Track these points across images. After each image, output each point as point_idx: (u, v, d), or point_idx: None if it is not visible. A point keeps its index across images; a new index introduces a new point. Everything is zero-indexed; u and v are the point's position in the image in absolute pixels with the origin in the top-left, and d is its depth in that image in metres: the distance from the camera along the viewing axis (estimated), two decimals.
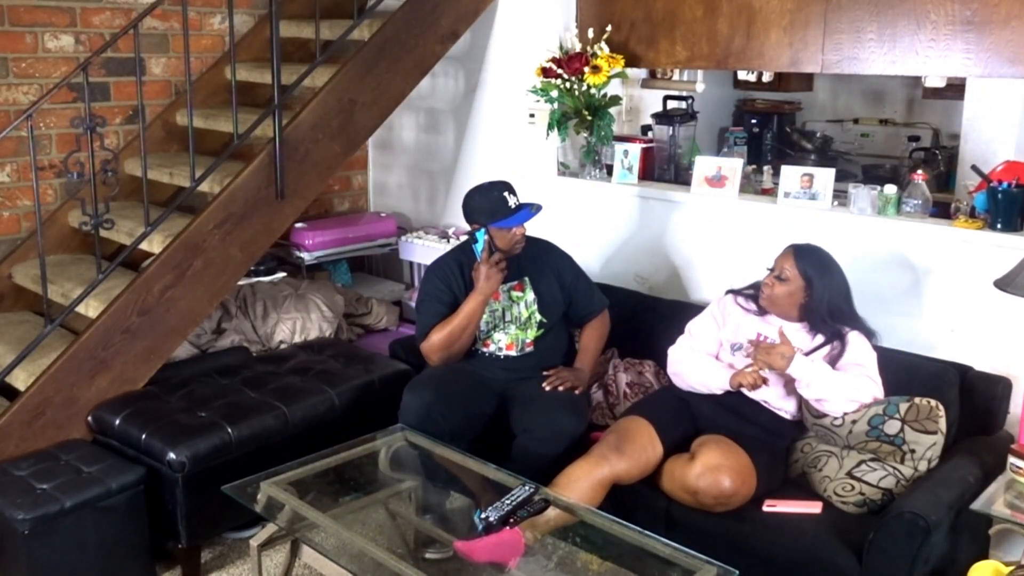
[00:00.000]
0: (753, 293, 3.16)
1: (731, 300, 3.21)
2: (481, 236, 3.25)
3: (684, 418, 3.05)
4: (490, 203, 3.24)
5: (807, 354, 2.95)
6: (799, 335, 3.03)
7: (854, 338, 2.98)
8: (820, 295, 2.98)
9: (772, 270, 3.06)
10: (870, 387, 2.91)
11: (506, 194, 3.24)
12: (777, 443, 3.00)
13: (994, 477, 2.72)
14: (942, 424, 2.84)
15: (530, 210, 3.25)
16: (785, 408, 3.02)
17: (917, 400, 2.87)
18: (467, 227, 3.36)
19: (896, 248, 3.33)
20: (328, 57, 3.89)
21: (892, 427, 2.86)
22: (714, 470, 2.75)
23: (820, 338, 3.01)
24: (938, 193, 3.71)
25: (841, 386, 2.88)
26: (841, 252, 3.41)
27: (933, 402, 2.86)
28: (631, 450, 2.90)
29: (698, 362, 3.11)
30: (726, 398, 3.03)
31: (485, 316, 3.34)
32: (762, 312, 3.11)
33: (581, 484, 2.82)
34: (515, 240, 3.27)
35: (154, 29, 4.25)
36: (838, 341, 2.98)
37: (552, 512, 2.69)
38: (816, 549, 2.63)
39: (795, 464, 3.02)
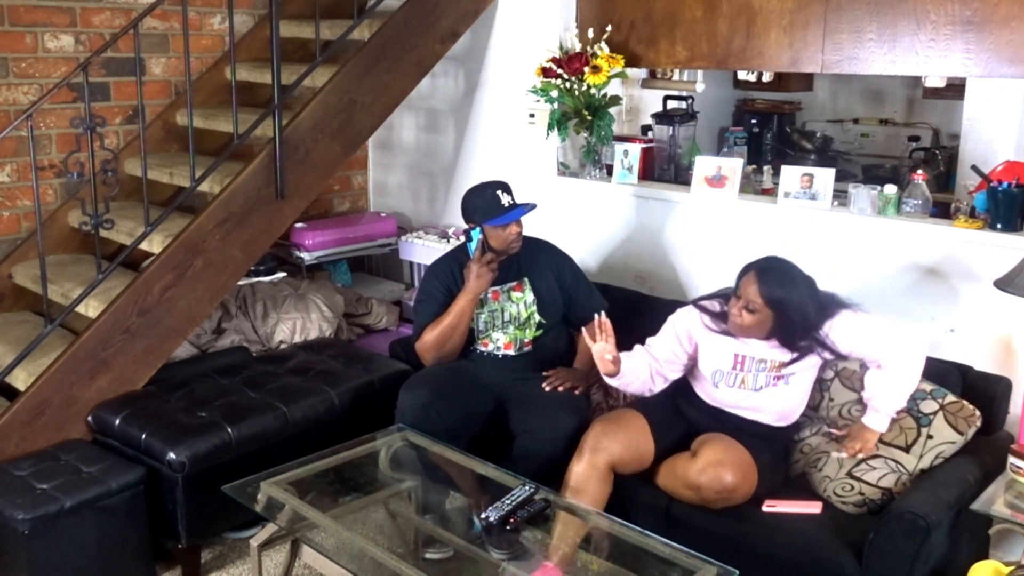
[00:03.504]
0: (720, 311, 2.99)
1: (698, 320, 3.03)
2: (476, 235, 3.26)
3: (678, 420, 3.04)
4: (483, 202, 3.25)
5: (788, 364, 2.89)
6: (774, 351, 2.91)
7: (842, 326, 2.86)
8: (792, 317, 2.83)
9: (738, 297, 2.87)
10: (918, 362, 2.82)
11: (499, 192, 3.24)
12: (775, 445, 2.99)
13: (994, 477, 2.72)
14: (971, 432, 2.83)
15: (524, 209, 3.26)
16: (782, 423, 3.00)
17: (965, 402, 2.87)
18: (467, 227, 3.37)
19: (896, 248, 3.33)
20: (328, 57, 3.89)
21: (928, 407, 2.85)
22: (716, 465, 2.75)
23: (794, 354, 2.89)
24: (938, 193, 3.71)
25: (904, 388, 2.83)
26: (841, 252, 3.42)
27: (977, 412, 2.85)
28: (622, 434, 2.91)
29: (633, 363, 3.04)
30: (716, 410, 3.00)
31: (484, 316, 3.34)
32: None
33: (592, 485, 2.83)
34: (510, 239, 3.27)
35: (154, 29, 4.25)
36: (819, 348, 2.88)
37: (571, 528, 2.70)
38: (816, 549, 2.63)
39: (795, 464, 3.02)
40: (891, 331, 2.86)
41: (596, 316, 2.96)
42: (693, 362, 3.07)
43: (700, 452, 2.82)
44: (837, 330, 2.88)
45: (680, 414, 3.05)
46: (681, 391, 3.09)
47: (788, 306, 2.82)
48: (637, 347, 3.11)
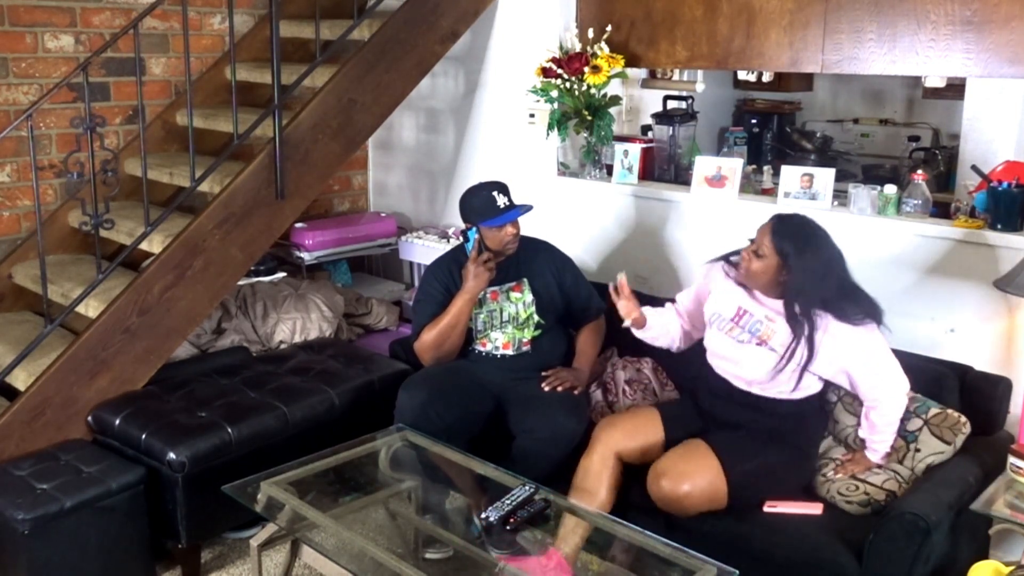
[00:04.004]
0: (737, 261, 2.96)
1: (718, 268, 3.06)
2: (472, 235, 3.26)
3: (694, 415, 3.03)
4: (480, 202, 3.25)
5: (784, 356, 2.83)
6: (778, 324, 2.85)
7: (832, 334, 2.79)
8: (796, 278, 2.76)
9: (752, 242, 2.86)
10: (899, 410, 2.82)
11: (496, 194, 3.24)
12: (800, 438, 2.91)
13: (994, 477, 2.72)
14: (959, 440, 2.82)
15: (519, 210, 3.26)
16: (804, 392, 2.91)
17: (949, 411, 2.86)
18: (464, 227, 3.37)
19: (896, 248, 3.33)
20: (328, 57, 3.89)
21: (913, 424, 2.86)
22: (660, 476, 2.77)
23: (791, 340, 2.80)
24: (938, 193, 3.71)
25: (890, 431, 2.83)
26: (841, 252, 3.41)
27: (963, 418, 2.84)
28: (624, 423, 2.98)
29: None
30: (724, 388, 2.97)
31: (482, 316, 3.34)
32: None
33: (597, 477, 2.87)
34: (505, 240, 3.27)
35: (154, 29, 4.25)
36: (807, 345, 2.79)
37: (576, 530, 2.71)
38: (816, 549, 2.63)
39: None
40: (890, 372, 2.82)
41: (619, 276, 3.09)
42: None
43: (658, 460, 2.84)
44: (849, 341, 2.79)
45: (699, 408, 3.04)
46: (697, 372, 3.11)
47: (795, 262, 2.75)
48: (668, 304, 3.22)
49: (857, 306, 2.81)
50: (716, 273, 3.08)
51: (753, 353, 2.89)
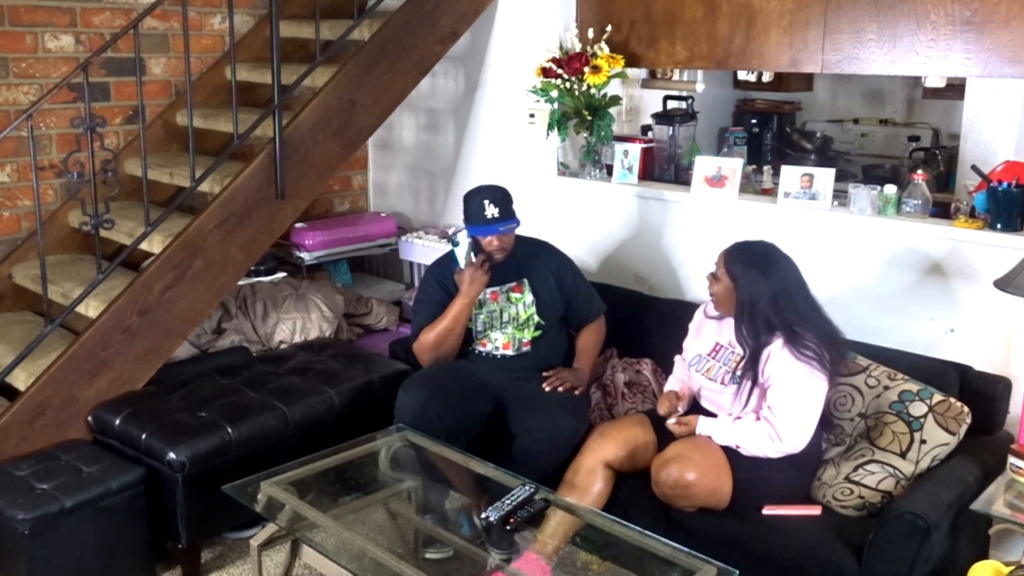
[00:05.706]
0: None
1: (701, 309, 3.17)
2: (462, 239, 3.27)
3: None
4: (472, 207, 3.28)
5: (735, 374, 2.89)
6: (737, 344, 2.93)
7: (775, 352, 2.81)
8: (742, 298, 2.84)
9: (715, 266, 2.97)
10: (768, 444, 2.77)
11: (487, 202, 3.24)
12: (808, 458, 2.89)
13: (994, 477, 2.72)
14: (962, 430, 2.82)
15: (499, 226, 3.24)
16: (751, 408, 2.93)
17: (952, 400, 2.86)
18: (451, 232, 3.37)
19: (896, 248, 3.33)
20: (328, 57, 3.89)
21: (918, 409, 2.85)
22: (671, 461, 2.77)
23: (743, 358, 2.87)
24: (938, 193, 3.71)
25: (744, 438, 2.80)
26: (841, 252, 3.42)
27: (965, 408, 2.84)
28: (616, 432, 2.96)
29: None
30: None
31: (482, 316, 3.35)
32: (721, 316, 3.03)
33: (586, 481, 2.87)
34: (490, 248, 3.29)
35: (154, 29, 4.25)
36: (752, 362, 2.83)
37: (562, 523, 2.70)
38: (816, 550, 2.63)
39: None
40: (801, 417, 2.78)
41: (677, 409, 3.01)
42: None
43: (667, 448, 2.86)
44: (773, 356, 2.81)
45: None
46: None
47: (742, 284, 2.83)
48: (677, 358, 3.21)
49: (811, 335, 2.81)
50: (699, 315, 3.15)
51: (725, 392, 2.93)
